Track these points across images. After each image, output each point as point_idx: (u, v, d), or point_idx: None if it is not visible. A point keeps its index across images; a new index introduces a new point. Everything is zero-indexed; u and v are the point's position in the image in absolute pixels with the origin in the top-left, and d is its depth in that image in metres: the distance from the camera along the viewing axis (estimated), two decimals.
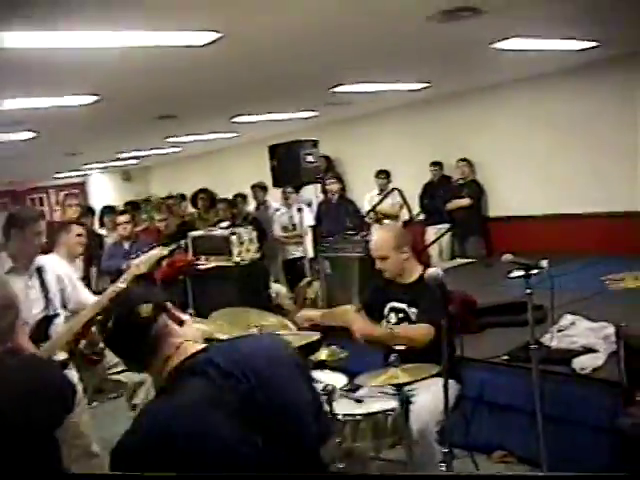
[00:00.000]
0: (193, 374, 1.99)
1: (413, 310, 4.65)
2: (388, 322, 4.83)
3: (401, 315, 4.72)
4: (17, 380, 2.77)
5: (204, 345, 2.14)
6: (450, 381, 4.26)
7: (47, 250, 5.99)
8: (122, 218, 8.60)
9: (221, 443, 1.87)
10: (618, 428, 3.35)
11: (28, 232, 4.78)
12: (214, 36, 5.31)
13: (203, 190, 11.27)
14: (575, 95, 9.76)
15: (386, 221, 9.90)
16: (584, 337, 5.28)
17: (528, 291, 4.24)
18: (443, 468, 4.44)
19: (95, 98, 7.39)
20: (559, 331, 5.38)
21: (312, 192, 11.13)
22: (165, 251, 5.81)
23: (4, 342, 2.80)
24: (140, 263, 5.54)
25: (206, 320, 4.79)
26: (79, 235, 6.25)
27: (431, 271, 4.10)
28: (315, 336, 4.71)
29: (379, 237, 4.89)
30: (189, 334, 2.16)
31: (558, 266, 4.35)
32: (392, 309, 4.79)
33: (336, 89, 8.96)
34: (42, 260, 4.78)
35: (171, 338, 2.12)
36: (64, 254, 5.95)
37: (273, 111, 10.69)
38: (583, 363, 4.97)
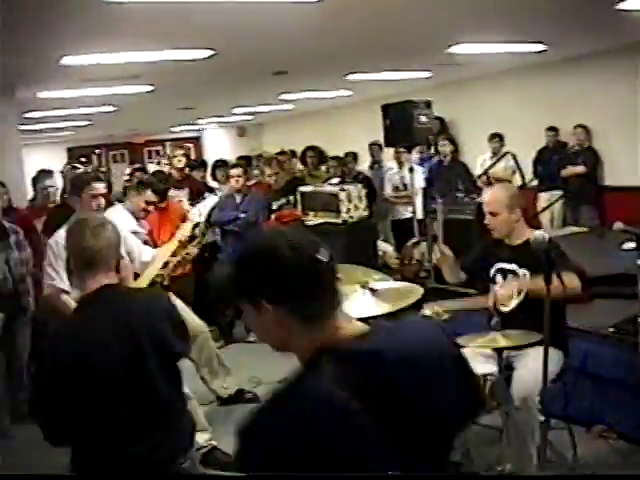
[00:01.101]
0: (342, 360, 1.71)
1: (524, 271, 4.56)
2: (495, 283, 4.77)
3: (510, 276, 4.65)
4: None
5: (365, 328, 1.83)
6: (554, 350, 4.18)
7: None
8: (235, 171, 8.71)
9: (358, 439, 1.62)
10: None
11: (85, 195, 5.00)
12: None
13: (312, 147, 11.29)
14: None
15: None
16: None
17: (639, 262, 4.11)
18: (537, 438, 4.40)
19: (210, 52, 7.49)
20: None
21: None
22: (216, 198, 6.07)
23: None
24: (198, 212, 5.77)
25: None
26: (147, 203, 6.37)
27: (537, 233, 4.01)
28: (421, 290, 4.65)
29: (493, 193, 4.84)
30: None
31: None
32: (499, 270, 4.72)
33: (451, 49, 8.83)
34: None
35: None
36: (128, 208, 6.16)
37: (387, 70, 10.61)
38: None
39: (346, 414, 1.61)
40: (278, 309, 1.74)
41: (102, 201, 5.18)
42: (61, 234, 4.56)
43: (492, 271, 4.76)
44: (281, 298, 1.74)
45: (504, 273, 4.69)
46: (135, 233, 5.82)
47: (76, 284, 3.20)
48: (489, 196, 4.82)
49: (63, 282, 4.63)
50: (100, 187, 5.18)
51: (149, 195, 6.32)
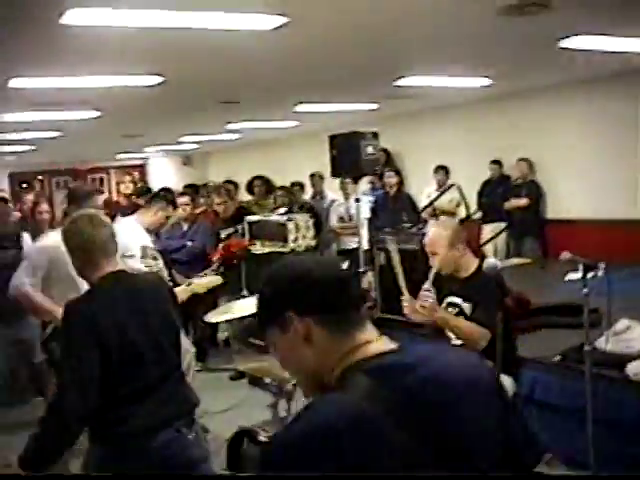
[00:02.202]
0: (370, 375, 1.65)
1: (467, 305, 4.63)
2: None
3: (457, 310, 4.71)
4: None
5: (395, 346, 1.77)
6: (505, 377, 4.24)
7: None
8: (182, 200, 8.66)
9: (389, 458, 1.54)
10: None
11: (85, 207, 4.95)
12: (282, 20, 5.33)
13: (259, 177, 11.30)
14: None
15: (442, 217, 9.84)
16: (639, 342, 5.21)
17: (585, 291, 4.19)
18: None
19: (160, 79, 7.47)
20: (614, 335, 5.30)
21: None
22: (220, 280, 6.13)
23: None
24: (202, 285, 5.81)
25: None
26: (167, 217, 6.40)
27: (490, 261, 4.09)
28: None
29: (433, 233, 4.87)
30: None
31: (614, 272, 4.29)
32: (450, 304, 4.78)
33: (399, 82, 8.94)
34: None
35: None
36: (146, 221, 6.10)
37: (335, 101, 10.70)
38: (637, 368, 4.90)
39: (379, 431, 1.56)
40: (305, 321, 1.72)
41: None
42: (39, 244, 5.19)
43: (444, 305, 4.81)
44: (309, 307, 1.73)
45: (454, 307, 4.75)
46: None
47: (89, 272, 3.30)
48: (429, 237, 4.85)
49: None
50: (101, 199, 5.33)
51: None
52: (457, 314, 4.71)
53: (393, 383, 1.62)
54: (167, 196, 6.60)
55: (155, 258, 5.93)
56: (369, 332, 1.77)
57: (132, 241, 5.68)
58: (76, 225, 3.31)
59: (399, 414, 1.57)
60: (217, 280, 6.34)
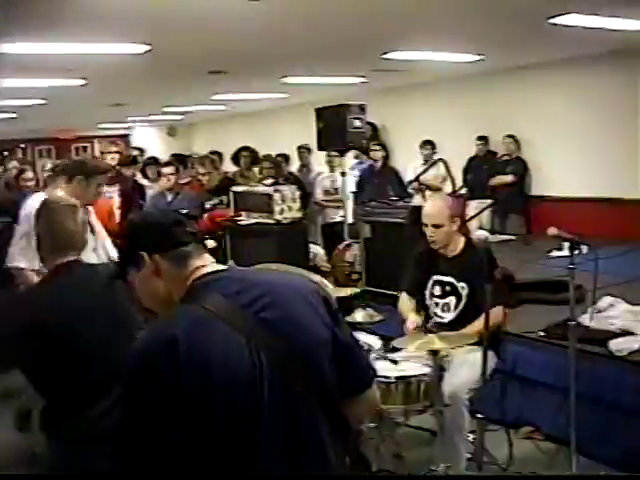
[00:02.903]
0: (210, 289, 2.00)
1: (461, 284, 4.64)
2: (432, 295, 4.83)
3: (448, 288, 4.71)
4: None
5: (222, 267, 2.15)
6: (489, 352, 4.27)
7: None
8: (167, 170, 8.63)
9: (224, 350, 1.86)
10: None
11: (92, 182, 4.91)
12: None
13: (246, 148, 11.23)
14: (633, 76, 9.58)
15: (428, 192, 9.84)
16: (622, 319, 5.24)
17: (571, 266, 4.19)
18: (471, 437, 4.47)
19: (146, 48, 7.40)
20: (597, 312, 5.32)
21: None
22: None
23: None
24: None
25: None
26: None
27: (479, 233, 4.10)
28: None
29: (436, 205, 4.86)
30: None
31: (598, 250, 4.31)
32: (437, 282, 4.78)
33: (387, 55, 8.91)
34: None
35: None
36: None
37: (323, 74, 10.65)
38: (620, 345, 4.93)
39: (211, 328, 1.88)
40: (153, 257, 2.08)
41: None
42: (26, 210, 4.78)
43: (430, 283, 4.81)
44: (154, 247, 2.08)
45: (442, 285, 4.75)
46: None
47: (45, 260, 3.29)
48: (431, 208, 4.83)
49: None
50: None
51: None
52: (446, 293, 4.72)
53: (225, 291, 1.97)
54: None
55: None
56: (204, 259, 2.13)
57: None
58: (52, 213, 3.27)
59: (227, 315, 1.91)
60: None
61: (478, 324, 4.33)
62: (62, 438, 3.15)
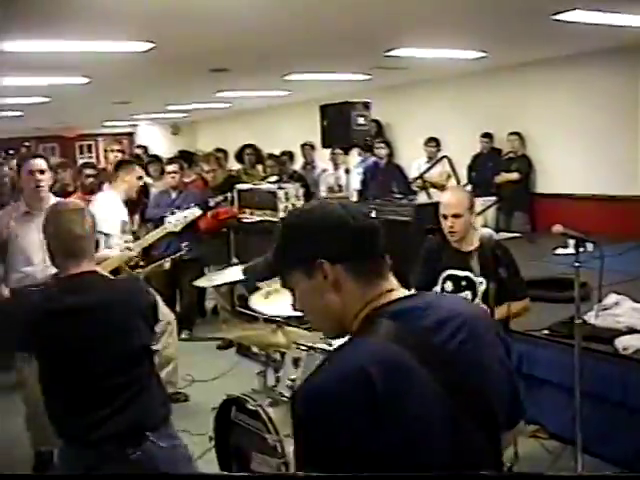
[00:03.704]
0: (394, 319, 1.71)
1: (480, 279, 4.61)
2: (443, 291, 4.79)
3: (464, 283, 4.67)
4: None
5: (407, 293, 1.85)
6: None
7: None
8: (171, 167, 8.62)
9: (420, 395, 1.63)
10: None
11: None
12: None
13: (250, 145, 11.23)
14: (634, 74, 9.53)
15: (432, 190, 9.83)
16: (628, 317, 5.21)
17: (576, 264, 4.17)
18: None
19: (150, 45, 7.38)
20: (603, 309, 5.30)
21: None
22: (198, 212, 5.90)
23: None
24: (177, 222, 5.65)
25: None
26: (140, 178, 6.36)
27: (484, 232, 4.08)
28: None
29: (455, 195, 4.85)
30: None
31: (603, 247, 4.30)
32: (449, 277, 4.74)
33: (390, 52, 8.87)
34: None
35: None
36: (121, 191, 6.06)
37: (326, 71, 10.62)
38: (625, 343, 4.90)
39: (408, 370, 1.62)
40: (335, 267, 1.76)
41: None
42: None
43: (441, 278, 4.77)
44: (340, 255, 1.76)
45: (456, 280, 4.71)
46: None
47: (58, 268, 3.25)
48: (451, 198, 4.80)
49: None
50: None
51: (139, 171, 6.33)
52: (461, 288, 4.68)
53: (414, 324, 1.70)
54: (133, 160, 6.58)
55: (133, 232, 5.95)
56: (391, 281, 1.83)
57: (112, 217, 5.66)
58: (60, 217, 3.21)
59: (421, 353, 1.65)
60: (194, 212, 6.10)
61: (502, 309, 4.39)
62: (66, 437, 3.17)
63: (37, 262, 4.87)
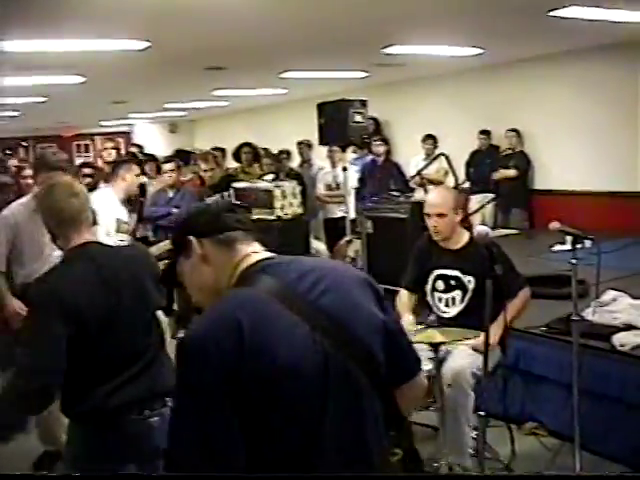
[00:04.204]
0: (267, 275, 1.95)
1: (469, 278, 4.60)
2: (434, 290, 4.79)
3: (453, 282, 4.66)
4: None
5: (273, 254, 2.10)
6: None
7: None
8: (168, 166, 8.59)
9: (288, 336, 1.83)
10: None
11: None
12: None
13: (247, 144, 11.21)
14: (632, 70, 9.52)
15: (430, 187, 9.80)
16: (626, 313, 5.19)
17: (574, 261, 4.16)
18: (473, 434, 4.44)
19: (145, 44, 7.37)
20: (600, 306, 5.29)
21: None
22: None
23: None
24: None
25: None
26: (138, 175, 6.34)
27: (480, 229, 4.07)
28: None
29: (439, 194, 4.86)
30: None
31: (601, 244, 4.29)
32: (440, 276, 4.73)
33: (388, 49, 8.86)
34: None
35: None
36: (120, 189, 6.04)
37: (323, 69, 10.61)
38: (623, 339, 4.88)
39: (275, 315, 1.85)
40: (201, 241, 2.05)
41: None
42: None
43: (431, 277, 4.76)
44: (203, 231, 2.06)
45: (446, 279, 4.70)
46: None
47: (61, 243, 3.22)
48: (435, 197, 4.81)
49: None
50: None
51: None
52: (451, 287, 4.67)
53: (280, 276, 1.94)
54: (131, 158, 6.54)
55: (128, 232, 5.93)
56: (255, 246, 2.09)
57: (106, 214, 5.62)
58: (55, 192, 3.20)
59: (288, 301, 1.87)
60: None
61: (498, 327, 4.39)
62: (76, 415, 3.15)
63: (45, 257, 4.85)
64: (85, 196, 3.26)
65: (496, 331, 4.36)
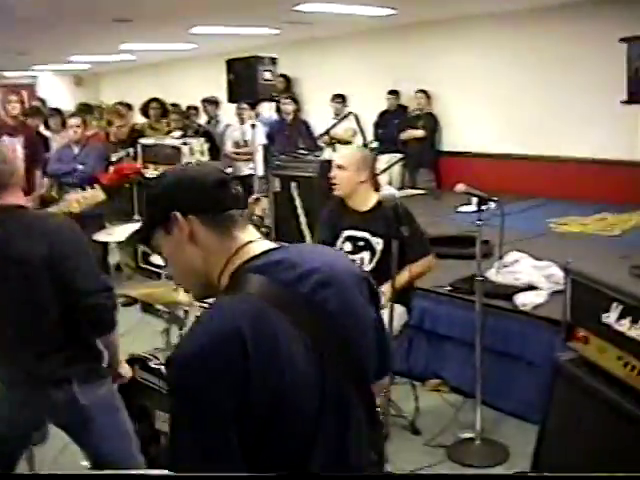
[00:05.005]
0: (266, 275, 1.75)
1: (376, 239, 4.61)
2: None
3: (361, 244, 4.66)
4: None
5: (270, 246, 1.86)
6: (398, 306, 4.28)
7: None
8: (73, 121, 8.33)
9: (287, 349, 1.66)
10: (555, 363, 3.39)
11: None
12: None
13: (155, 99, 11.02)
14: (548, 34, 9.65)
15: (338, 145, 9.82)
16: (527, 274, 5.32)
17: (479, 223, 4.23)
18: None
19: None
20: (504, 267, 5.41)
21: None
22: (101, 196, 5.68)
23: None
24: (78, 201, 5.44)
25: None
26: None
27: (386, 192, 4.08)
28: None
29: (347, 150, 4.91)
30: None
31: (505, 205, 4.38)
32: (348, 238, 4.73)
33: (299, 7, 8.79)
34: None
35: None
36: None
37: (233, 25, 10.47)
38: (524, 299, 5.01)
39: (277, 326, 1.66)
40: (188, 218, 1.79)
41: None
42: None
43: (340, 239, 4.76)
44: (190, 207, 1.80)
45: (354, 241, 4.70)
46: None
47: None
48: (344, 152, 4.88)
49: None
50: None
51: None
52: (359, 248, 4.68)
53: (280, 278, 1.73)
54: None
55: None
56: (250, 232, 1.85)
57: None
58: None
59: (288, 307, 1.70)
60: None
61: (404, 276, 4.42)
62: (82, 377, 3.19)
63: None
64: (10, 154, 3.12)
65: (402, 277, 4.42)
